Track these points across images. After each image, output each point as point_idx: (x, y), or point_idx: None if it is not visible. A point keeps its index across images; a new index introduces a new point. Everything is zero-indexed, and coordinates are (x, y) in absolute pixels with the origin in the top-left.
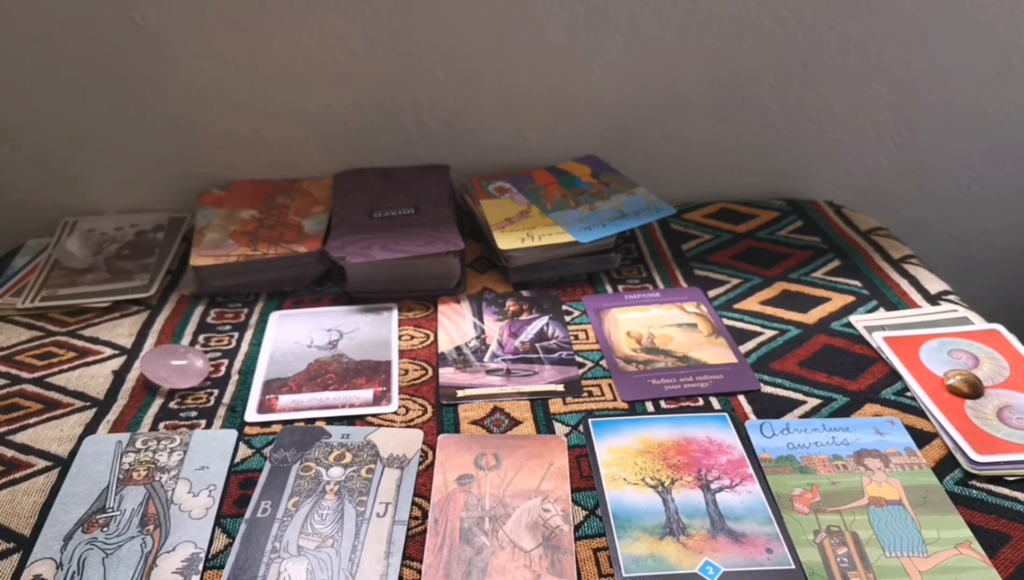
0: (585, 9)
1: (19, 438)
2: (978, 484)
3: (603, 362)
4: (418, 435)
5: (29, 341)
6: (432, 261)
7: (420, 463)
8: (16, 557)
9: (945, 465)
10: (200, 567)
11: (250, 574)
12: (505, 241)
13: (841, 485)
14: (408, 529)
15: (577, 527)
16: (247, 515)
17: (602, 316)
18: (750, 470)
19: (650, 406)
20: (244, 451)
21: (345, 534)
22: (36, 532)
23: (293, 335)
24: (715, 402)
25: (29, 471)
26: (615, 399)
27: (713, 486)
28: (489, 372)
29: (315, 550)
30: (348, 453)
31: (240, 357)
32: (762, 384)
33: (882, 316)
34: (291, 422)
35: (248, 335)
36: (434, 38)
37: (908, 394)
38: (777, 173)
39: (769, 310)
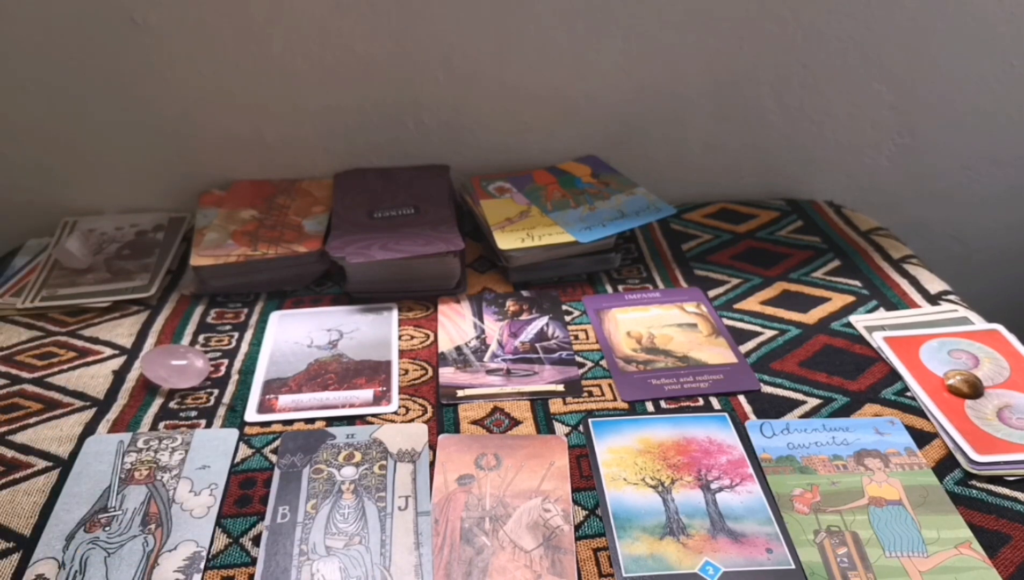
0: (585, 9)
1: (19, 438)
2: (978, 484)
3: (603, 362)
4: (422, 429)
5: (29, 341)
6: (432, 261)
7: (431, 455)
8: (16, 557)
9: (945, 465)
10: (201, 566)
11: (283, 579)
12: (505, 241)
13: (841, 485)
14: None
15: (577, 527)
16: (267, 522)
17: (602, 316)
18: (750, 470)
19: (650, 406)
20: (244, 451)
21: (371, 530)
22: (36, 532)
23: (293, 335)
24: (715, 402)
25: (29, 471)
26: (615, 399)
27: (713, 486)
28: (489, 372)
29: (344, 549)
30: (357, 452)
31: (240, 357)
32: (762, 384)
33: (882, 316)
34: (291, 422)
35: (248, 335)
36: (434, 38)
37: (908, 394)
38: (777, 173)
39: (769, 310)
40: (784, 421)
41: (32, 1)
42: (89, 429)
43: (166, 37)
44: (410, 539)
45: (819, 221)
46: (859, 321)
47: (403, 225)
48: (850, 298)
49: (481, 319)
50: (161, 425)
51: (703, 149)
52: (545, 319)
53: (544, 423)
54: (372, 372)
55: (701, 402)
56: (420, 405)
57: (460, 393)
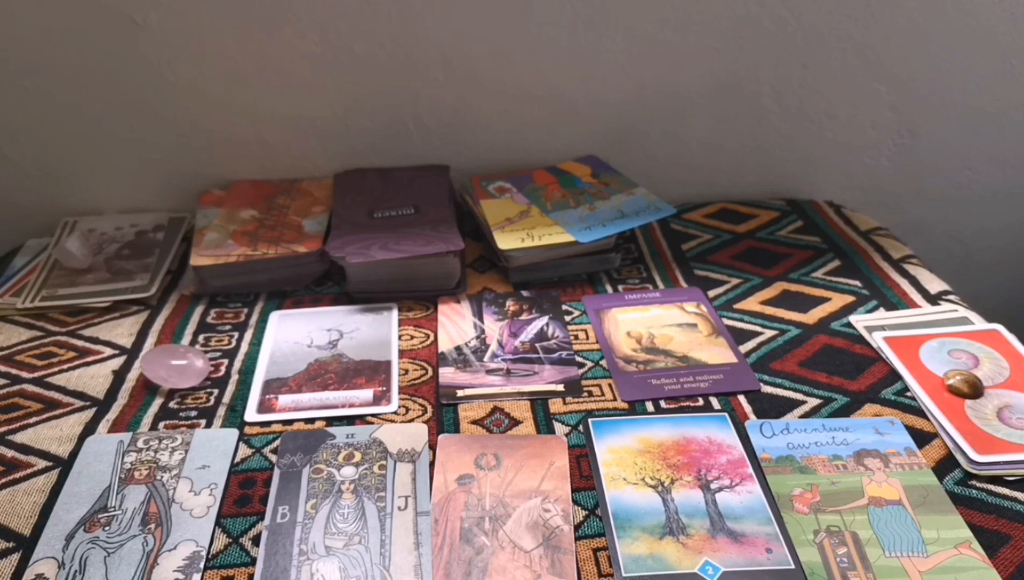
0: (585, 9)
1: (19, 438)
2: (978, 484)
3: (603, 362)
4: (422, 429)
5: (29, 341)
6: (432, 261)
7: (431, 455)
8: (16, 557)
9: (945, 465)
10: (201, 565)
11: (283, 579)
12: (505, 241)
13: (841, 485)
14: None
15: (577, 527)
16: (267, 522)
17: (602, 316)
18: (750, 470)
19: (650, 406)
20: (244, 451)
21: (371, 530)
22: (36, 532)
23: (293, 335)
24: (715, 402)
25: (29, 471)
26: (615, 399)
27: (713, 486)
28: (489, 372)
29: (343, 548)
30: (357, 452)
31: (240, 357)
32: (762, 384)
33: (882, 316)
34: (291, 422)
35: (248, 335)
36: (434, 38)
37: (908, 394)
38: (777, 173)
39: (769, 310)
40: (784, 421)
41: (32, 1)
42: (89, 429)
43: (166, 37)
44: (410, 539)
45: (819, 221)
46: (859, 321)
47: (403, 225)
48: (850, 298)
49: (481, 319)
50: (161, 425)
51: (703, 149)
52: (545, 319)
53: (544, 423)
54: (372, 372)
55: (701, 402)
56: (420, 405)
57: (460, 393)
